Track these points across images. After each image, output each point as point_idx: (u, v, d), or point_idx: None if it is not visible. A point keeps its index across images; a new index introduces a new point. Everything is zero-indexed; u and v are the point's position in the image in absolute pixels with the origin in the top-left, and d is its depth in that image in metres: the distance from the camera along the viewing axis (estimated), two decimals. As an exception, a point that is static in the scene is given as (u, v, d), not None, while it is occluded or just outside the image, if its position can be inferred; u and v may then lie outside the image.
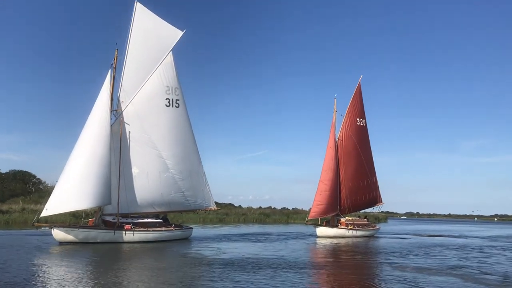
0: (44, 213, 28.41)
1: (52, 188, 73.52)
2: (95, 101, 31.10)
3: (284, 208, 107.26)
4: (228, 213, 76.29)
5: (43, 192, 71.13)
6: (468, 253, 31.37)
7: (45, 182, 78.84)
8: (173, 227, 35.29)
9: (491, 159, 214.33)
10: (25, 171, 76.68)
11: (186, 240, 35.25)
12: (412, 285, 16.54)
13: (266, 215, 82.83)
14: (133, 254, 25.20)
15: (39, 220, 29.21)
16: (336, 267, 22.72)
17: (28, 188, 73.71)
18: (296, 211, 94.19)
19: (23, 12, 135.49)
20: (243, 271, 18.63)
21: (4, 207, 49.28)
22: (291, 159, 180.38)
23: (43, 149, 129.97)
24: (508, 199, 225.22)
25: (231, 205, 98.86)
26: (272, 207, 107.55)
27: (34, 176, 77.54)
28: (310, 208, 45.18)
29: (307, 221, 46.82)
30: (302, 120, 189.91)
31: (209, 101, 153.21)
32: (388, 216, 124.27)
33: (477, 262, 25.56)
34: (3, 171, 74.69)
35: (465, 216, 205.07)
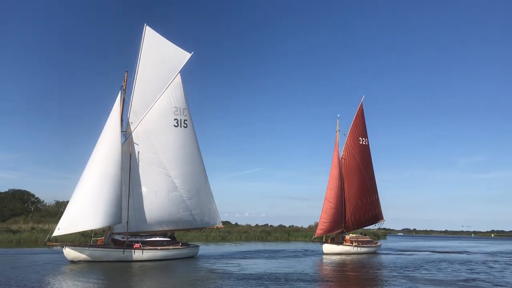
0: (56, 233, 28.88)
1: (50, 207, 74.03)
2: (102, 121, 31.99)
3: (281, 225, 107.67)
4: (230, 231, 76.65)
5: (42, 211, 71.41)
6: (475, 267, 32.93)
7: (43, 201, 79.37)
8: (180, 246, 35.71)
9: (487, 175, 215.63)
10: (24, 190, 76.92)
11: (193, 258, 35.61)
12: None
13: (267, 232, 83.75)
14: (145, 272, 25.60)
15: (51, 239, 29.63)
16: (356, 279, 24.34)
17: (27, 207, 73.80)
18: (296, 229, 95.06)
19: (32, 34, 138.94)
20: (274, 284, 20.14)
21: (14, 226, 49.95)
22: (287, 176, 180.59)
23: (39, 167, 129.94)
24: (504, 215, 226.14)
25: (228, 222, 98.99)
26: (269, 225, 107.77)
27: (33, 195, 77.78)
28: (316, 224, 46.03)
29: (314, 238, 48.15)
30: (298, 139, 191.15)
31: (209, 118, 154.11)
32: (386, 232, 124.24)
33: (487, 275, 27.09)
34: (2, 190, 74.87)
35: (461, 232, 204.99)
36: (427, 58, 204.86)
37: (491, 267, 33.35)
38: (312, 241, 50.27)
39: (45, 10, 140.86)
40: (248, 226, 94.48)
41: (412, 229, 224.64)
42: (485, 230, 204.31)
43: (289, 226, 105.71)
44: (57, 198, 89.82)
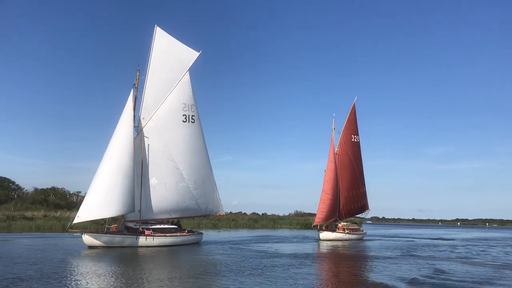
0: (76, 220, 31.49)
1: (34, 194, 75.24)
2: (115, 117, 34.31)
3: (254, 213, 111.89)
4: (220, 218, 79.86)
5: (27, 198, 71.92)
6: (466, 249, 40.40)
7: (24, 188, 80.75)
8: (187, 232, 38.49)
9: (453, 166, 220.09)
10: (4, 177, 77.87)
11: (198, 244, 38.39)
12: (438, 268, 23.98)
13: (255, 220, 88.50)
14: (156, 256, 28.29)
15: (72, 226, 32.28)
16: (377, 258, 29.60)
17: (10, 194, 74.88)
18: (280, 217, 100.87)
19: (49, 36, 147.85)
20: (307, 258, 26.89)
21: (28, 214, 53.11)
22: (257, 165, 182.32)
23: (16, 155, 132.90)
24: (469, 204, 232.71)
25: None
26: (243, 212, 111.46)
27: (13, 182, 78.92)
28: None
29: (313, 226, 53.49)
30: (269, 126, 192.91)
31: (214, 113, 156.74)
32: (361, 221, 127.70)
33: (482, 255, 34.18)
34: None
35: (428, 220, 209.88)
36: (400, 51, 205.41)
37: (480, 248, 41.52)
38: (312, 228, 56.17)
39: (62, 11, 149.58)
40: (237, 214, 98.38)
41: (381, 217, 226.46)
42: (450, 219, 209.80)
43: (262, 214, 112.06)
44: (35, 185, 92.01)
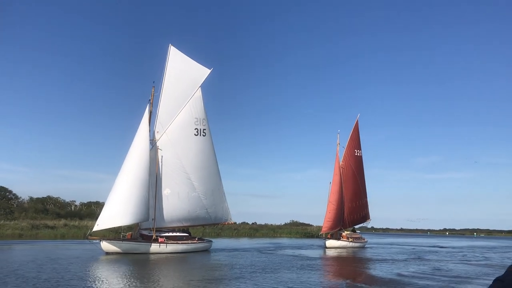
0: (96, 228, 33.59)
1: (27, 204, 76.89)
2: (132, 130, 36.60)
3: (244, 223, 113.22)
4: (222, 228, 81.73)
5: (27, 208, 72.94)
6: (466, 254, 44.43)
7: (20, 197, 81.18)
8: (197, 240, 40.42)
9: (440, 175, 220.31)
10: (2, 186, 78.06)
11: (207, 251, 40.23)
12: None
13: (255, 229, 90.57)
14: (170, 262, 30.23)
15: (91, 234, 34.37)
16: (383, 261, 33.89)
17: (10, 204, 75.05)
18: (280, 227, 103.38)
19: (68, 50, 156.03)
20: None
21: (50, 223, 56.23)
22: (248, 173, 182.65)
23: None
24: (456, 213, 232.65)
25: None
26: (233, 221, 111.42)
27: (10, 192, 79.14)
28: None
29: (320, 234, 57.22)
30: (263, 136, 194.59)
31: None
32: (354, 230, 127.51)
33: (485, 259, 38.00)
34: None
35: (417, 230, 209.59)
36: (386, 63, 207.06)
37: (480, 254, 45.93)
38: (319, 237, 60.28)
39: (79, 28, 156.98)
40: (238, 224, 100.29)
41: (370, 227, 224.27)
42: (438, 228, 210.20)
43: (252, 223, 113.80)
44: (30, 194, 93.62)
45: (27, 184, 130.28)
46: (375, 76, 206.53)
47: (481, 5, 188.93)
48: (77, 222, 55.18)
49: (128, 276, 21.72)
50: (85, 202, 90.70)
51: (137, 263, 28.79)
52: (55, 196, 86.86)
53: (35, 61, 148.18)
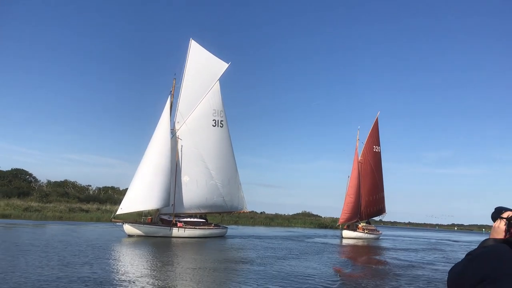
0: (119, 211, 35.80)
1: (45, 187, 79.79)
2: (154, 120, 38.62)
3: (252, 212, 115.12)
4: (239, 216, 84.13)
5: (47, 191, 74.38)
6: None
7: (40, 181, 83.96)
8: (213, 226, 42.48)
9: (450, 170, 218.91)
10: (22, 169, 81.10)
11: (223, 237, 42.27)
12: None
13: (271, 219, 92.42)
14: (187, 245, 32.30)
15: (115, 217, 36.60)
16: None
17: (32, 186, 77.97)
18: (294, 216, 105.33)
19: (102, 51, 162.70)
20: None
21: (85, 207, 60.90)
22: (256, 163, 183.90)
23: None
24: (464, 209, 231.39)
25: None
26: (248, 210, 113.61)
27: (31, 174, 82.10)
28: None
29: (337, 225, 60.57)
30: (272, 125, 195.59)
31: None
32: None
33: None
34: (3, 168, 78.57)
35: (425, 224, 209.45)
36: (401, 54, 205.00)
37: None
38: (337, 228, 63.37)
39: (103, 24, 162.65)
40: (254, 213, 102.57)
41: (378, 220, 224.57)
42: (446, 224, 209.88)
43: (261, 212, 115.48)
44: (49, 177, 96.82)
45: (40, 167, 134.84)
46: (385, 66, 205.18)
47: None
48: (108, 207, 58.60)
49: (152, 257, 23.83)
50: (101, 186, 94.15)
51: (158, 245, 30.88)
52: (71, 180, 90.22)
53: (57, 60, 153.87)
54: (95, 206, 61.93)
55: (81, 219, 54.13)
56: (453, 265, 2.72)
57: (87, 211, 58.40)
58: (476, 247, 2.67)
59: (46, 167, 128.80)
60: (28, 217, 50.12)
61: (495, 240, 2.69)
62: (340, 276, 20.37)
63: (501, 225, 2.72)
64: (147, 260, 22.31)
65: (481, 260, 2.55)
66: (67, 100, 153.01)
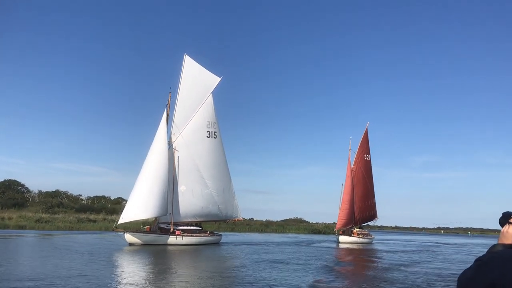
0: (120, 221, 37.31)
1: (38, 197, 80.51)
2: (151, 133, 40.33)
3: (250, 219, 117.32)
4: (236, 223, 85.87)
5: (41, 202, 76.42)
6: (472, 248, 54.11)
7: (32, 191, 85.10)
8: (208, 233, 44.16)
9: (436, 174, 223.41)
10: (14, 180, 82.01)
11: (218, 244, 43.90)
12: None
13: (266, 225, 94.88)
14: (185, 252, 33.96)
15: (117, 226, 38.11)
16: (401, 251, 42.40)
17: (26, 197, 79.54)
18: (288, 222, 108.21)
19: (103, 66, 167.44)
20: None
21: (92, 216, 63.98)
22: (241, 169, 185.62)
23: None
24: (450, 212, 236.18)
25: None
26: (242, 218, 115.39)
27: (23, 185, 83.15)
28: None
29: (334, 231, 62.54)
30: (261, 134, 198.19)
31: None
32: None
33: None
34: None
35: (411, 228, 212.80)
36: (385, 60, 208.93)
37: (478, 249, 53.38)
38: (333, 233, 65.17)
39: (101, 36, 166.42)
40: (249, 220, 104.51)
41: (365, 224, 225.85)
42: (432, 227, 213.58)
43: (250, 219, 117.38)
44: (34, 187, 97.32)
45: (28, 177, 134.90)
46: (371, 73, 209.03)
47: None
48: (114, 216, 61.04)
49: (155, 264, 25.51)
50: (92, 196, 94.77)
51: (158, 253, 32.54)
52: (63, 190, 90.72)
53: (55, 64, 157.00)
54: (100, 216, 65.05)
55: (89, 228, 56.85)
56: (461, 271, 2.76)
57: (94, 221, 61.42)
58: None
59: (32, 177, 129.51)
60: (41, 227, 53.62)
61: (504, 245, 2.66)
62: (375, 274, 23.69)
63: (509, 230, 2.69)
64: (149, 267, 23.99)
65: (490, 266, 2.54)
66: (49, 106, 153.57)
